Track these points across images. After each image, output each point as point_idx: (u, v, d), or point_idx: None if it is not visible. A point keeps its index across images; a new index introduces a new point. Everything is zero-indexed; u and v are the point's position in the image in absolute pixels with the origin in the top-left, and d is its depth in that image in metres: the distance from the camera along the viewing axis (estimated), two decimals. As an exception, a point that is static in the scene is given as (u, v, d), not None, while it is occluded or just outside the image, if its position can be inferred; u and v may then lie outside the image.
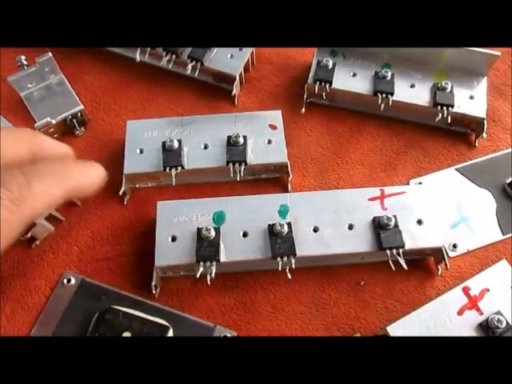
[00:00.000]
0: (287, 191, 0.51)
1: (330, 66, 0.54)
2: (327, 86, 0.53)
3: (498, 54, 0.52)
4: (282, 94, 0.57)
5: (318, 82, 0.53)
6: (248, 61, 0.56)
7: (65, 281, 0.46)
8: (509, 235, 0.48)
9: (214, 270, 0.42)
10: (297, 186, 0.51)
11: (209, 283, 0.42)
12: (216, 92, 0.57)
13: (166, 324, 0.42)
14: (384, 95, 0.52)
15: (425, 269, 0.47)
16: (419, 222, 0.46)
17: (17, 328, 0.44)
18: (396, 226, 0.45)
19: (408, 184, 0.51)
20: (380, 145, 0.54)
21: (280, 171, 0.51)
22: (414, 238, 0.45)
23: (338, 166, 0.52)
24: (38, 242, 0.47)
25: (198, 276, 0.42)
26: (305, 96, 0.54)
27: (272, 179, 0.51)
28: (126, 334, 0.41)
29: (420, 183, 0.51)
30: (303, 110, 0.55)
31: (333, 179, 0.51)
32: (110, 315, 0.43)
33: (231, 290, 0.46)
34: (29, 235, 0.46)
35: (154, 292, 0.44)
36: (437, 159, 0.53)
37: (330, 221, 0.46)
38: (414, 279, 0.46)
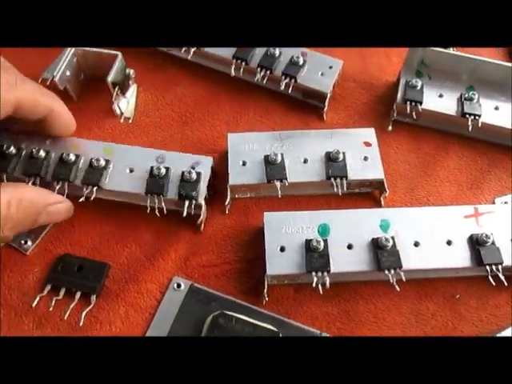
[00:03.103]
0: (380, 205, 0.53)
1: (419, 86, 0.56)
2: (418, 105, 0.55)
3: None
4: (368, 112, 0.60)
5: (408, 102, 0.56)
6: (334, 78, 0.59)
7: (175, 285, 0.48)
8: None
9: (328, 280, 0.45)
10: (388, 202, 0.53)
11: (321, 292, 0.45)
12: (304, 107, 0.60)
13: (276, 330, 0.45)
14: (472, 117, 0.54)
15: (513, 284, 0.49)
16: (513, 240, 0.48)
17: (131, 329, 0.46)
18: (493, 243, 0.47)
19: (494, 203, 0.54)
20: (465, 164, 0.56)
21: (373, 187, 0.53)
22: (509, 256, 0.47)
23: (427, 182, 0.55)
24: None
25: (314, 285, 0.44)
26: (394, 114, 0.57)
27: (364, 194, 0.54)
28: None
29: (506, 202, 0.54)
30: (390, 127, 0.58)
31: (422, 196, 0.54)
32: (223, 320, 0.45)
33: (333, 299, 0.48)
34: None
35: (264, 299, 0.46)
36: (519, 179, 0.55)
37: (428, 236, 0.48)
38: (505, 294, 0.49)
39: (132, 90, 0.60)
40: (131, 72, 0.58)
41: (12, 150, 0.50)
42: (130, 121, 0.58)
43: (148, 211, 0.49)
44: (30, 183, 0.50)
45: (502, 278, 0.46)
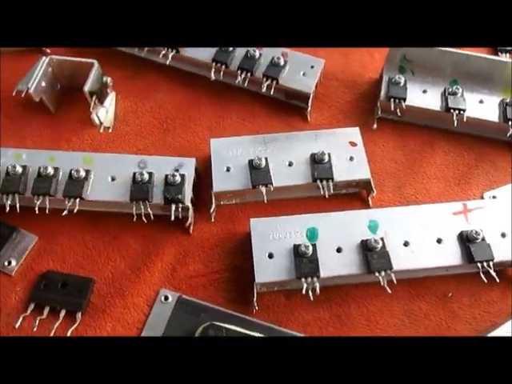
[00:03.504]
0: (368, 206, 0.52)
1: (402, 83, 0.56)
2: (402, 102, 0.55)
3: None
4: (352, 110, 0.59)
5: (392, 99, 0.55)
6: (316, 77, 0.58)
7: (162, 298, 0.47)
8: None
9: (318, 286, 0.44)
10: (376, 201, 0.52)
11: (312, 299, 0.44)
12: (287, 108, 0.59)
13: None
14: (457, 112, 0.54)
15: (507, 279, 0.49)
16: (503, 235, 0.47)
17: (119, 345, 0.45)
18: (484, 239, 0.46)
19: (482, 197, 0.53)
20: (452, 159, 0.55)
21: (360, 187, 0.52)
22: (500, 251, 0.46)
23: (415, 180, 0.54)
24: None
25: (304, 292, 0.43)
26: (379, 112, 0.56)
27: (351, 194, 0.53)
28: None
29: (494, 197, 0.53)
30: (375, 125, 0.57)
31: (410, 193, 0.53)
32: (213, 331, 0.44)
33: (324, 303, 0.47)
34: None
35: (254, 308, 0.45)
36: (507, 172, 0.55)
37: (418, 235, 0.47)
38: (498, 290, 0.48)
39: (110, 99, 0.58)
40: (108, 80, 0.56)
41: (-14, 168, 0.49)
42: (110, 130, 0.57)
43: (134, 219, 0.48)
44: (8, 201, 0.48)
45: (494, 274, 0.45)
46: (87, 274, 0.48)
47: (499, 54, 0.64)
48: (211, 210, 0.50)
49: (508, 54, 0.64)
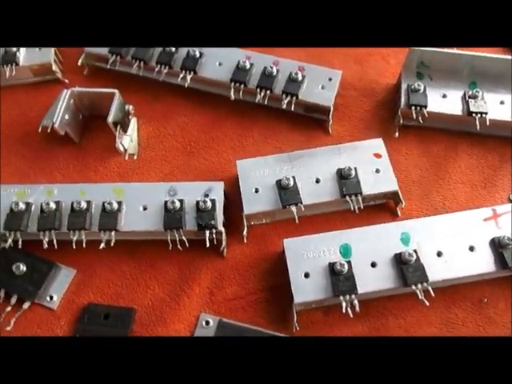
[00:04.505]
0: (396, 216, 0.53)
1: (422, 89, 0.56)
2: (423, 109, 0.55)
3: None
4: (373, 119, 0.59)
5: (413, 107, 0.55)
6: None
7: (203, 323, 0.48)
8: None
9: (357, 303, 0.45)
10: (405, 211, 0.53)
11: (351, 315, 0.45)
12: (307, 122, 0.59)
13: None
14: (479, 115, 0.54)
15: (540, 281, 0.49)
16: (534, 238, 0.48)
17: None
18: (516, 244, 0.47)
19: (509, 198, 0.54)
20: (476, 162, 0.56)
21: (388, 197, 0.53)
22: (533, 254, 0.47)
23: (441, 186, 0.54)
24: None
25: (343, 310, 0.44)
26: (400, 120, 0.56)
27: (379, 205, 0.53)
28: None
29: (521, 197, 0.53)
30: (397, 133, 0.57)
31: (438, 200, 0.54)
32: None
33: (362, 317, 0.48)
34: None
35: (295, 328, 0.46)
36: (532, 172, 0.55)
37: (451, 244, 0.48)
38: (533, 292, 0.49)
39: (132, 125, 0.59)
40: (130, 108, 0.57)
41: (21, 206, 0.50)
42: (135, 157, 0.58)
43: (170, 247, 0.49)
44: (45, 238, 0.49)
45: (529, 279, 0.46)
46: (127, 303, 0.50)
47: (515, 49, 0.64)
48: (243, 233, 0.51)
49: (523, 49, 0.64)
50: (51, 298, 0.50)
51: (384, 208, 0.54)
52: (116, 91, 0.55)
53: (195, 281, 0.50)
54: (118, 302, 0.50)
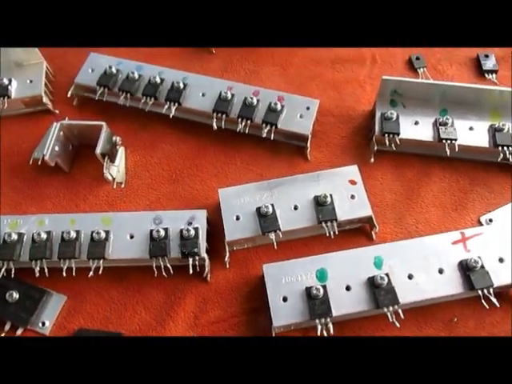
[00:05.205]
0: (371, 239, 0.56)
1: (395, 117, 0.59)
2: (396, 137, 0.58)
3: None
4: (349, 145, 0.62)
5: (386, 134, 0.58)
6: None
7: (188, 346, 0.50)
8: None
9: (331, 327, 0.47)
10: (380, 234, 0.56)
11: (326, 334, 0.47)
12: (288, 149, 0.62)
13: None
14: (449, 142, 0.57)
15: (508, 300, 0.52)
16: (501, 260, 0.50)
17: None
18: (483, 266, 0.49)
19: (479, 221, 0.56)
20: (448, 186, 0.58)
21: (363, 222, 0.56)
22: (499, 276, 0.49)
23: (414, 210, 0.57)
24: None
25: (318, 333, 0.47)
26: (375, 147, 0.59)
27: (356, 229, 0.56)
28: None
29: (490, 220, 0.56)
30: (372, 159, 0.60)
31: (411, 224, 0.56)
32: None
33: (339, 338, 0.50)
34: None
35: (274, 350, 0.49)
36: (501, 194, 0.58)
37: (421, 267, 0.50)
38: (501, 311, 0.51)
39: (120, 154, 0.62)
40: (118, 139, 0.60)
41: (14, 237, 0.52)
42: (123, 185, 0.60)
43: (155, 274, 0.52)
44: (36, 267, 0.52)
45: (494, 300, 0.48)
46: (116, 328, 0.52)
47: (486, 74, 0.67)
48: (225, 258, 0.53)
49: (494, 75, 0.67)
50: (43, 323, 0.52)
51: (360, 232, 0.56)
52: (104, 124, 0.58)
53: (180, 305, 0.53)
54: (107, 326, 0.52)
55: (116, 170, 0.60)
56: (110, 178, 0.60)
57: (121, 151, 0.62)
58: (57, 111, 0.66)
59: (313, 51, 0.70)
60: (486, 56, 0.68)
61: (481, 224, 0.56)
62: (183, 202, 0.59)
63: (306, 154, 0.61)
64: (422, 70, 0.68)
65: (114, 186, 0.60)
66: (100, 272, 0.52)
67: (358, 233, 0.56)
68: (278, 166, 0.61)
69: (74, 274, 0.52)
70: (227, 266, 0.54)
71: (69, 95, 0.66)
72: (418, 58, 0.69)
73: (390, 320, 0.47)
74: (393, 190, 0.59)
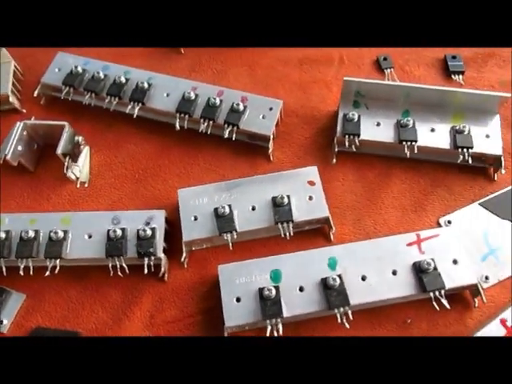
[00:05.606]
0: (329, 240, 0.56)
1: (356, 119, 0.59)
2: (356, 138, 0.58)
3: (509, 95, 0.57)
4: (312, 146, 0.62)
5: (346, 136, 0.58)
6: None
7: (143, 345, 0.51)
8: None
9: (281, 328, 0.47)
10: (338, 235, 0.56)
11: (276, 335, 0.47)
12: (252, 149, 0.62)
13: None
14: (409, 143, 0.57)
15: (462, 301, 0.52)
16: (454, 261, 0.51)
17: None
18: (435, 268, 0.50)
19: (438, 223, 0.56)
20: (408, 187, 0.59)
21: (321, 223, 0.56)
22: (452, 278, 0.50)
23: (373, 211, 0.57)
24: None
25: (268, 334, 0.47)
26: (336, 149, 0.59)
27: (314, 230, 0.56)
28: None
29: (449, 221, 0.56)
30: (334, 160, 0.60)
31: (369, 225, 0.56)
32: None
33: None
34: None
35: (226, 350, 0.49)
36: (461, 196, 0.58)
37: (375, 269, 0.51)
38: (454, 312, 0.51)
39: (85, 154, 0.62)
40: (80, 139, 0.60)
41: (-30, 236, 0.53)
42: (86, 185, 0.61)
43: (111, 274, 0.52)
44: (-6, 266, 0.52)
45: (445, 302, 0.49)
46: (73, 327, 0.53)
47: (452, 75, 0.67)
48: (182, 259, 0.54)
49: (461, 76, 0.67)
50: (1, 322, 0.53)
51: (319, 233, 0.56)
52: (66, 123, 0.58)
53: (137, 305, 0.53)
54: (65, 325, 0.53)
55: (78, 170, 0.60)
56: (73, 177, 0.60)
57: (85, 151, 0.62)
58: (24, 110, 0.67)
59: (281, 51, 0.70)
60: (454, 57, 0.68)
61: (440, 225, 0.56)
62: (145, 202, 0.59)
63: (269, 155, 0.61)
64: (388, 70, 0.68)
65: (78, 186, 0.61)
66: (57, 271, 0.52)
67: (317, 234, 0.56)
68: (241, 166, 0.61)
69: (31, 273, 0.52)
70: (185, 265, 0.55)
71: (35, 95, 0.66)
72: (385, 59, 0.69)
73: (339, 321, 0.47)
74: (354, 191, 0.59)
